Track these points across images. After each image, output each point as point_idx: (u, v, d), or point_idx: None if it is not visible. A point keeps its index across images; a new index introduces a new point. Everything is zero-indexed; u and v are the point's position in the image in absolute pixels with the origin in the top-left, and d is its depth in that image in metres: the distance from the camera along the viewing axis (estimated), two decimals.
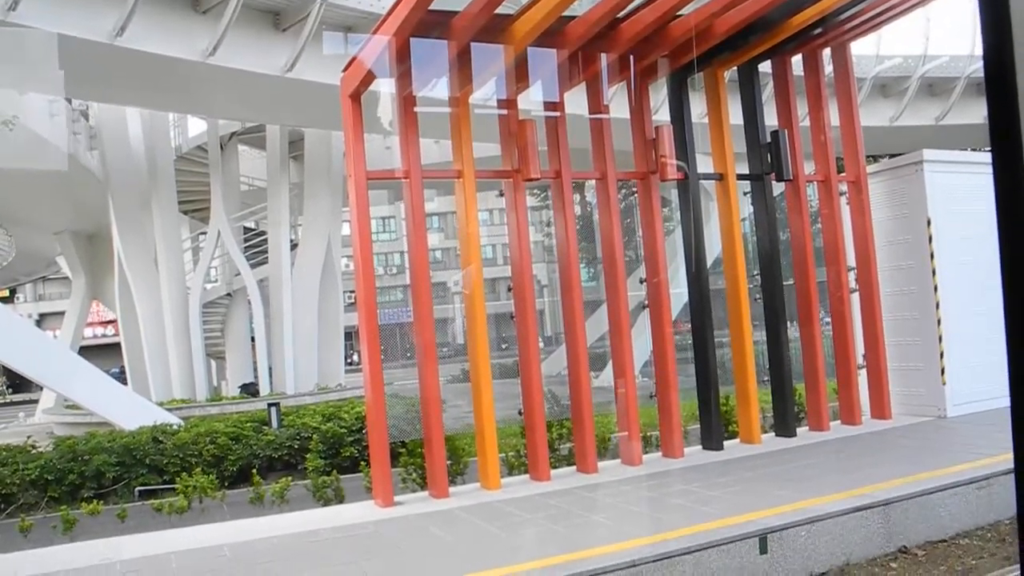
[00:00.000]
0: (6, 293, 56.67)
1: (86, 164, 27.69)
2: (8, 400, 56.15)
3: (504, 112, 8.28)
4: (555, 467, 8.49)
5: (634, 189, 9.24)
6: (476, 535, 6.46)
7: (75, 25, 16.77)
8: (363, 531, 6.77)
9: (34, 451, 12.50)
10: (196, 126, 29.10)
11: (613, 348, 8.66)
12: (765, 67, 9.72)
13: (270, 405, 14.47)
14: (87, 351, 26.54)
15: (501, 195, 8.51)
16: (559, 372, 12.65)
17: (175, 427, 13.75)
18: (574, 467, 8.53)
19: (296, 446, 12.36)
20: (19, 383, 60.92)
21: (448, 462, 7.98)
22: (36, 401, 39.11)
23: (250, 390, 25.77)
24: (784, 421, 9.40)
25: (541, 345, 9.51)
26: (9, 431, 28.96)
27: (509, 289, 8.29)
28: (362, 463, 9.30)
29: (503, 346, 28.19)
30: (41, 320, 58.30)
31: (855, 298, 9.82)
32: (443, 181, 9.93)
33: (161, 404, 20.69)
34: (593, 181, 8.84)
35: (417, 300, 7.83)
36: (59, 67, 17.95)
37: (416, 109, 7.95)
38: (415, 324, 7.79)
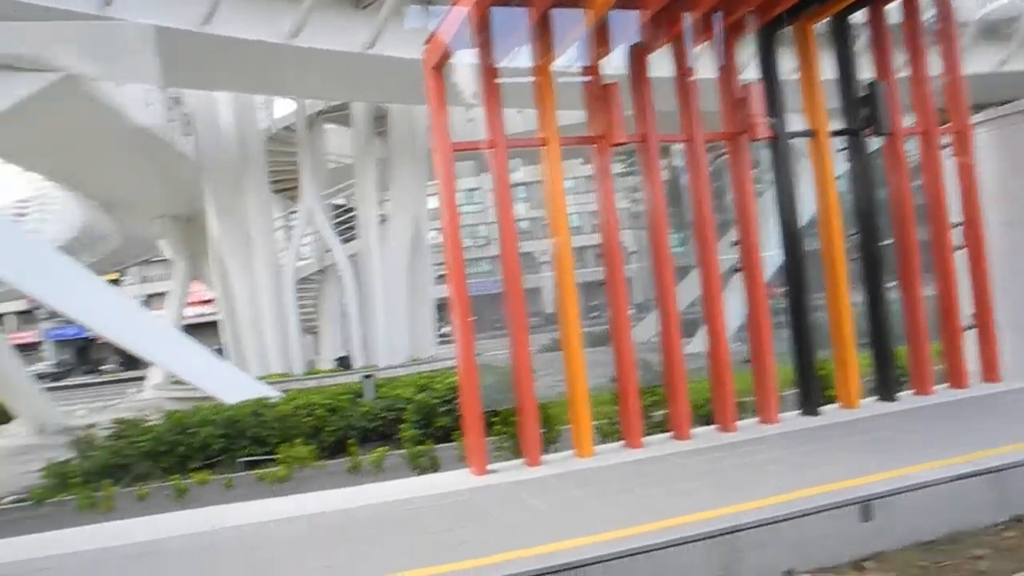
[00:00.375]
0: (115, 276, 58.88)
1: (181, 150, 28.55)
2: (120, 377, 58.62)
3: (587, 78, 8.18)
4: (648, 434, 8.43)
5: (723, 151, 9.02)
6: (570, 502, 6.46)
7: (165, 15, 17.21)
8: (458, 499, 6.84)
9: (146, 424, 13.06)
10: (283, 107, 29.67)
11: (706, 313, 8.51)
12: (855, 19, 9.34)
13: (365, 377, 14.73)
14: (189, 329, 27.41)
15: (586, 163, 8.42)
16: (650, 339, 12.54)
17: (275, 400, 14.14)
18: (668, 434, 8.45)
19: (390, 417, 12.58)
20: (130, 361, 63.61)
21: (541, 430, 7.99)
22: (146, 378, 40.79)
23: (344, 363, 26.32)
24: (885, 385, 9.10)
25: (631, 312, 9.42)
26: (123, 406, 30.29)
27: (598, 256, 8.21)
28: (455, 432, 9.41)
29: (592, 314, 28.13)
30: (147, 301, 60.38)
31: (960, 256, 9.40)
32: (528, 150, 9.89)
33: (260, 378, 21.30)
34: (680, 144, 8.67)
35: (506, 270, 7.83)
36: (153, 57, 18.51)
37: (498, 79, 7.92)
38: (505, 294, 7.80)
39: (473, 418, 7.62)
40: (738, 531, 5.20)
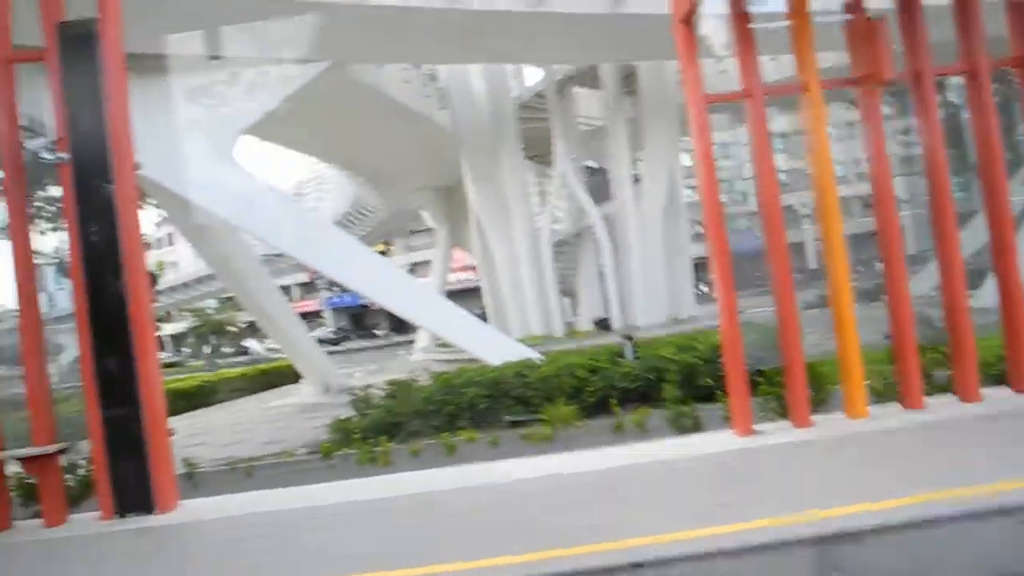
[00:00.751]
0: (383, 247, 62.76)
1: (439, 123, 29.80)
2: (391, 341, 62.74)
3: (849, 16, 7.63)
4: (929, 395, 7.82)
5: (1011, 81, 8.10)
6: (843, 465, 6.14)
7: None
8: (723, 460, 6.71)
9: (416, 385, 13.84)
10: (533, 75, 30.16)
11: (996, 263, 7.74)
12: None
13: (624, 338, 14.77)
14: (452, 295, 28.83)
15: (849, 107, 7.88)
16: (927, 292, 11.61)
17: (536, 361, 14.50)
18: (952, 395, 7.80)
19: (651, 377, 12.52)
20: (400, 326, 67.92)
21: (809, 390, 7.65)
22: (413, 341, 43.37)
23: (603, 324, 26.55)
24: None
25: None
26: (394, 368, 32.37)
27: (865, 207, 7.67)
28: (718, 393, 9.20)
29: (858, 268, 26.53)
30: (412, 269, 63.99)
31: None
32: (784, 99, 9.39)
33: (521, 341, 21.95)
34: (958, 78, 7.88)
35: (768, 224, 7.52)
36: (408, 36, 19.41)
37: (751, 25, 7.57)
38: (769, 249, 7.50)
39: (737, 377, 7.42)
40: None
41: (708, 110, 7.51)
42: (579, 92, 30.91)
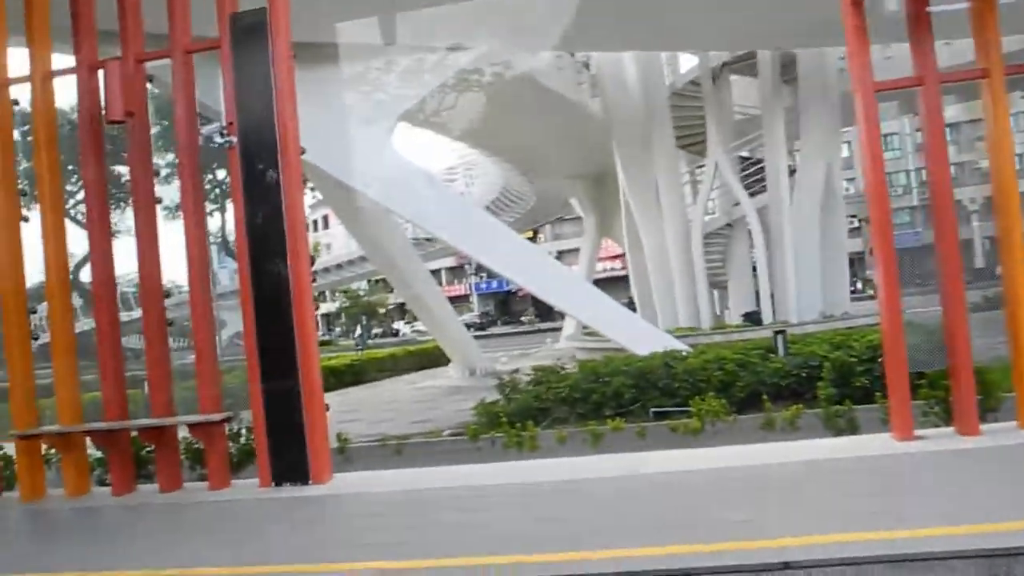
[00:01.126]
0: (530, 234, 63.24)
1: (590, 110, 29.71)
2: (536, 328, 63.22)
3: None
4: None
5: None
6: (1016, 478, 5.76)
7: None
8: (881, 464, 6.44)
9: (563, 372, 13.90)
10: (687, 62, 29.61)
11: None
12: None
13: (776, 333, 14.36)
14: (599, 284, 28.75)
15: None
16: None
17: (684, 353, 14.30)
18: None
19: (804, 374, 12.13)
20: (545, 313, 68.41)
21: (978, 397, 7.22)
22: (559, 329, 43.54)
23: (753, 318, 25.90)
24: None
25: None
26: (540, 354, 32.62)
27: None
28: (876, 394, 8.82)
29: None
30: (559, 257, 64.22)
31: None
32: (953, 87, 8.81)
33: (668, 332, 21.70)
34: None
35: (939, 219, 7.14)
36: (564, 24, 19.42)
37: (929, 7, 7.18)
38: (938, 245, 7.12)
39: (899, 379, 7.08)
40: None
41: (876, 98, 7.18)
42: (736, 80, 30.15)
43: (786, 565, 4.42)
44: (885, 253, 7.15)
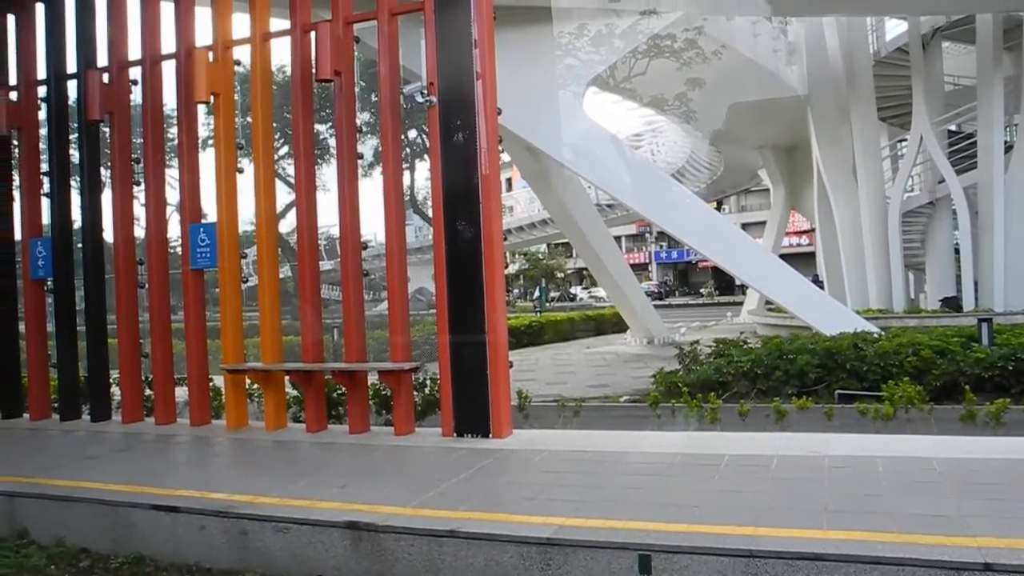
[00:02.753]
0: (714, 204, 61.92)
1: (785, 79, 28.61)
2: (716, 301, 62.10)
3: None
4: None
5: None
6: None
7: None
8: None
9: (745, 346, 13.59)
10: (895, 28, 27.91)
11: None
12: None
13: (981, 321, 13.44)
14: (784, 259, 27.71)
15: None
16: None
17: (875, 336, 13.66)
18: None
19: (1011, 367, 11.33)
20: (724, 286, 67.01)
21: None
22: (740, 303, 42.58)
23: (952, 304, 24.38)
24: None
25: None
26: (719, 327, 32.05)
27: None
28: None
29: None
30: (743, 228, 62.69)
31: None
32: None
33: (857, 313, 20.77)
34: None
35: None
36: None
37: None
38: None
39: None
40: None
41: None
42: (948, 47, 28.16)
43: (987, 567, 4.17)
44: None
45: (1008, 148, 24.88)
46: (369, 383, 9.27)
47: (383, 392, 9.79)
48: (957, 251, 25.36)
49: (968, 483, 5.65)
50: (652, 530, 4.90)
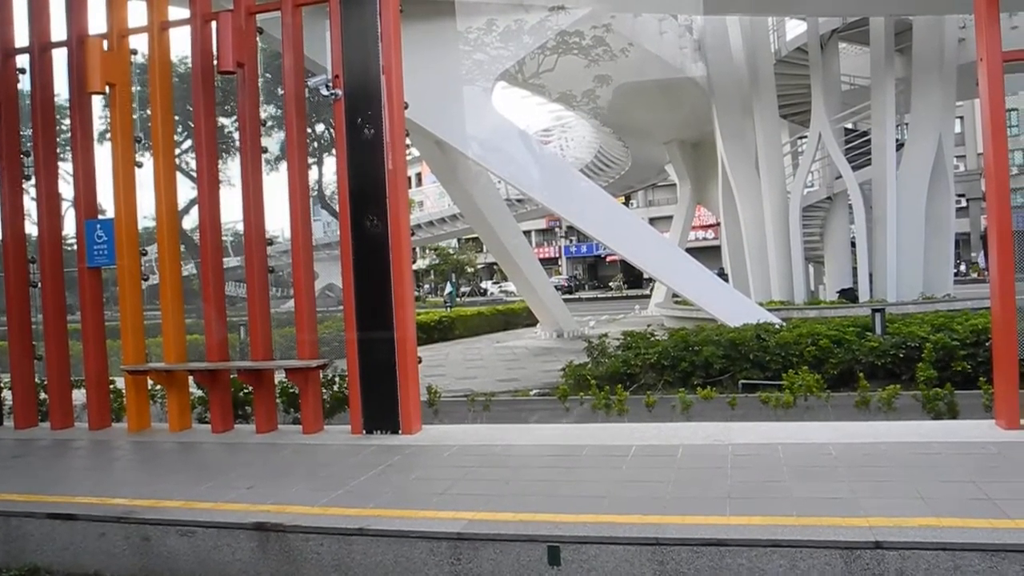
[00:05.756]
0: (622, 199, 62.72)
1: (691, 75, 29.18)
2: (624, 295, 62.97)
3: None
4: None
5: None
6: None
7: None
8: (982, 451, 6.22)
9: (652, 338, 13.84)
10: (795, 28, 28.72)
11: None
12: None
13: (874, 311, 13.98)
14: (691, 253, 28.29)
15: None
16: None
17: (777, 327, 14.07)
18: None
19: (901, 355, 11.83)
20: (633, 279, 68.04)
21: None
22: (648, 296, 43.30)
23: (848, 295, 25.27)
24: None
25: None
26: (628, 321, 32.52)
27: None
28: (980, 380, 8.55)
29: None
30: (651, 223, 63.69)
31: None
32: None
33: (760, 305, 21.35)
34: None
35: None
36: None
37: None
38: None
39: (1008, 365, 6.82)
40: None
41: (1004, 69, 6.85)
42: (845, 48, 29.13)
43: (877, 545, 4.36)
44: (1001, 233, 6.86)
45: (900, 146, 25.90)
46: (276, 381, 9.13)
47: (291, 390, 9.64)
48: (854, 244, 26.25)
49: (861, 466, 5.89)
50: (561, 522, 4.95)
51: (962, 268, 46.71)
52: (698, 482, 5.72)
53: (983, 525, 4.50)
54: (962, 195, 41.29)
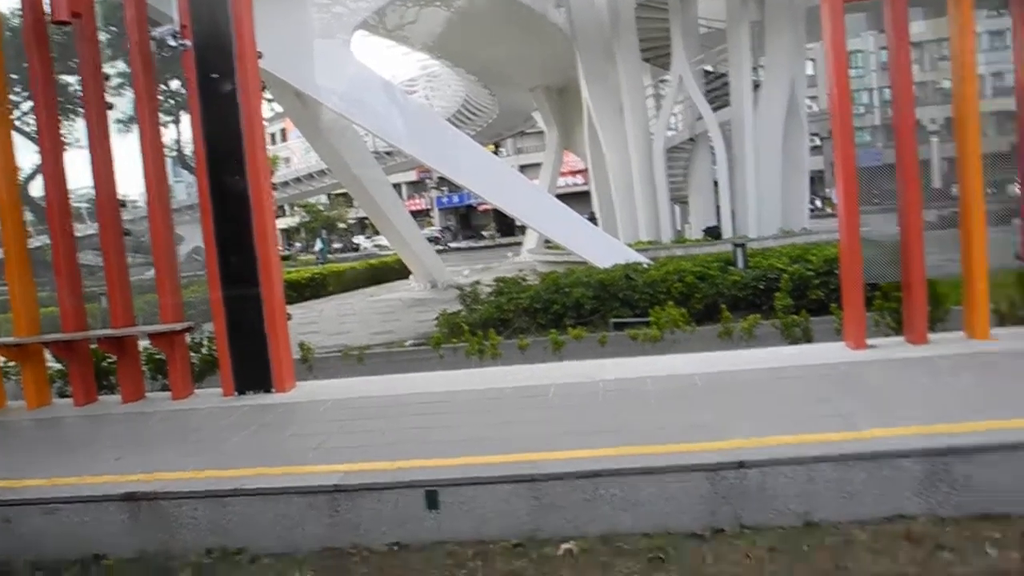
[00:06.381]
0: (492, 147, 62.71)
1: (554, 20, 29.21)
2: (498, 243, 63.32)
3: None
4: None
5: None
6: (960, 383, 5.98)
7: None
8: (834, 371, 6.61)
9: (524, 283, 14.00)
10: None
11: None
12: None
13: (736, 246, 14.53)
14: (561, 198, 28.57)
15: (996, 15, 7.34)
16: None
17: (644, 266, 14.45)
18: None
19: (762, 287, 12.36)
20: (506, 228, 68.42)
21: (928, 308, 7.41)
22: (520, 244, 43.65)
23: (713, 233, 26.12)
24: None
25: None
26: (501, 268, 32.74)
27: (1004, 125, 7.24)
28: (832, 305, 9.03)
29: (987, 191, 25.07)
30: (521, 171, 63.87)
31: None
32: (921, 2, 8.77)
33: (629, 246, 21.82)
34: None
35: (901, 137, 7.19)
36: None
37: None
38: (899, 162, 7.19)
39: (854, 290, 7.24)
40: None
41: (844, 10, 7.13)
42: None
43: (740, 464, 4.60)
44: (846, 169, 7.22)
45: (757, 87, 26.73)
46: (142, 348, 8.80)
47: (157, 357, 9.33)
48: (717, 184, 27.06)
49: (725, 393, 6.17)
50: (437, 466, 5.01)
51: (817, 203, 48.82)
52: (571, 418, 5.87)
53: (834, 438, 4.82)
54: (816, 134, 43.02)
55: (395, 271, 33.63)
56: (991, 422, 4.83)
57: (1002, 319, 8.26)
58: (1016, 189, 7.31)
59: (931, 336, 7.36)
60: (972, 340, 7.19)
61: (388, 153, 45.04)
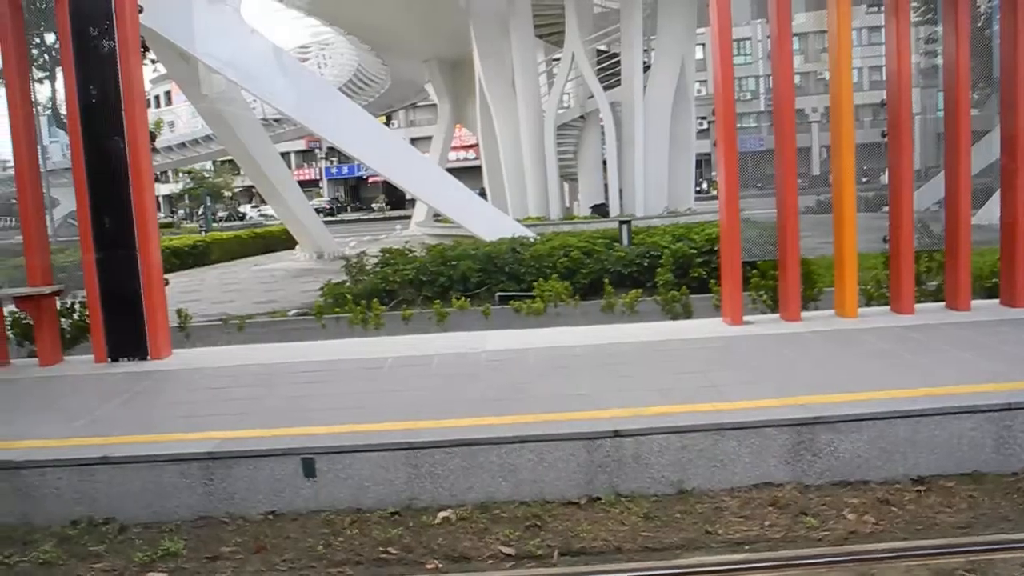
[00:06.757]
0: (383, 119, 61.83)
1: None
2: (387, 215, 62.72)
3: None
4: (919, 302, 7.92)
5: None
6: (828, 358, 6.26)
7: None
8: (712, 345, 6.82)
9: (411, 255, 13.90)
10: None
11: (1005, 182, 7.66)
12: None
13: (621, 223, 14.76)
14: (452, 173, 28.46)
15: (872, 10, 7.64)
16: (927, 208, 11.63)
17: (531, 240, 14.53)
18: (942, 303, 7.91)
19: (645, 264, 12.59)
20: (396, 200, 67.84)
21: (801, 287, 7.71)
22: (409, 217, 43.33)
23: (600, 211, 26.44)
24: None
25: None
26: (390, 240, 32.42)
27: (875, 116, 7.54)
28: (712, 283, 9.29)
29: (861, 179, 26.28)
30: (412, 144, 63.26)
31: None
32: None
33: (518, 221, 21.90)
34: None
35: (780, 123, 7.42)
36: None
37: None
38: (777, 146, 7.43)
39: (732, 268, 7.47)
40: (1014, 408, 4.79)
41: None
42: None
43: (616, 433, 4.69)
44: (728, 152, 7.41)
45: (648, 68, 27.13)
46: (7, 313, 8.36)
47: (24, 321, 8.87)
48: (606, 162, 27.38)
49: (605, 365, 6.28)
50: (315, 434, 4.94)
51: (704, 186, 50.12)
52: (452, 388, 5.88)
53: (707, 408, 4.96)
54: (703, 117, 44.08)
55: (282, 241, 32.89)
56: (852, 394, 5.07)
57: (869, 299, 8.69)
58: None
59: (804, 314, 7.68)
60: (841, 318, 7.53)
61: (277, 120, 43.84)
